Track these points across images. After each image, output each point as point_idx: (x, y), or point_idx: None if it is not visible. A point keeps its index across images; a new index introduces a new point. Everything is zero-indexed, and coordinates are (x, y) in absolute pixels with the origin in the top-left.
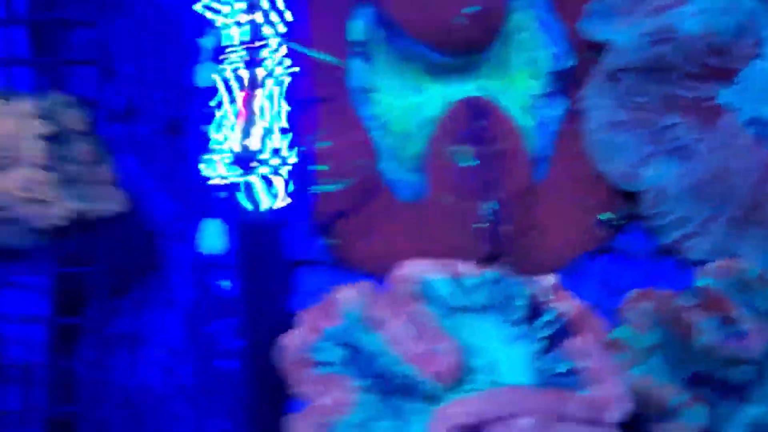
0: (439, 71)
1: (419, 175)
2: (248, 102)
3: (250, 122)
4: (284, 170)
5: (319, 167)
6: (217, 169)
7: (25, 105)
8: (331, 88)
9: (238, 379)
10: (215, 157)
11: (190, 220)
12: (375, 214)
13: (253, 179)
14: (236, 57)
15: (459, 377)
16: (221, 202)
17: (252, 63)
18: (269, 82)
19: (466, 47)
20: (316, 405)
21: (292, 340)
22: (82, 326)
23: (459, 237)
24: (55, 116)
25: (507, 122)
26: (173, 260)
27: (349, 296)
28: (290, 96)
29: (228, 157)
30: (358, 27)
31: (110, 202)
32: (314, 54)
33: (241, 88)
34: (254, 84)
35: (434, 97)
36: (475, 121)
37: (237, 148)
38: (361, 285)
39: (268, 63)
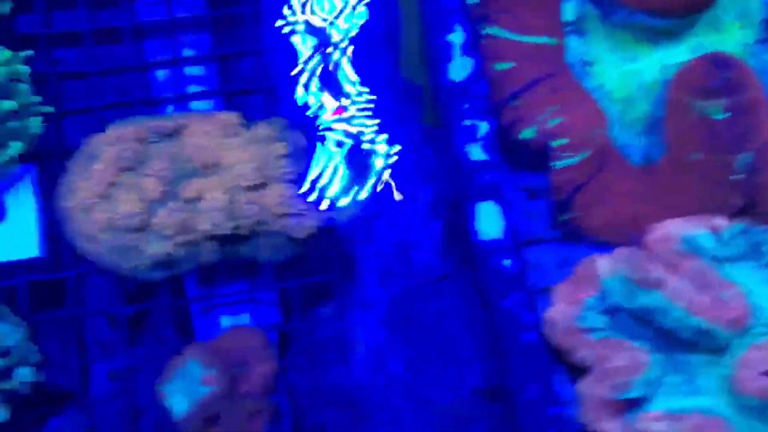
0: (653, 36)
1: (650, 138)
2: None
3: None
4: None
5: (557, 142)
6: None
7: (264, 129)
8: (551, 67)
9: (540, 350)
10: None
11: (376, 221)
12: (610, 182)
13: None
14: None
15: (750, 322)
16: (487, 185)
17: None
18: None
19: (694, 9)
20: (607, 368)
21: (557, 314)
22: (302, 333)
23: (703, 193)
24: (282, 137)
25: (749, 72)
26: (365, 261)
27: (606, 265)
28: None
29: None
30: (571, 7)
31: (340, 209)
32: (529, 39)
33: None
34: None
35: (652, 61)
36: (721, 73)
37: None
38: (619, 252)
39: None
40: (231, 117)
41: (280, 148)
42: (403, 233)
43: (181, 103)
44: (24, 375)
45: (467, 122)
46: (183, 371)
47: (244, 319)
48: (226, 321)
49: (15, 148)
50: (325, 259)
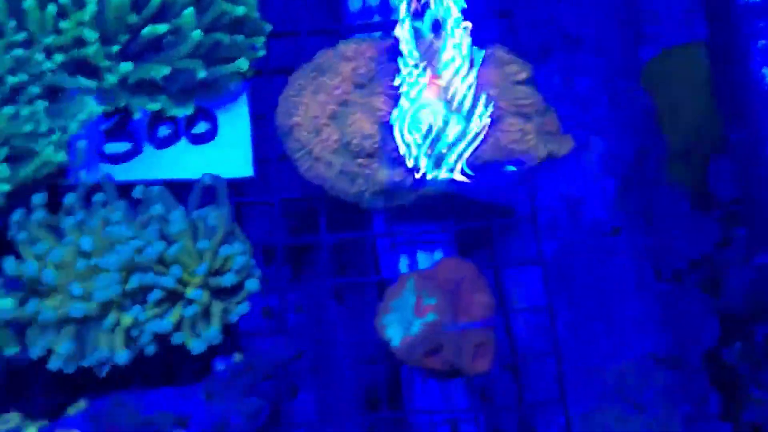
0: None
1: None
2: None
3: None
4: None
5: None
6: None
7: (500, 53)
8: None
9: None
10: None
11: (543, 175)
12: None
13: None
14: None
15: None
16: None
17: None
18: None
19: None
20: None
21: None
22: None
23: None
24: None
25: None
26: (529, 215)
27: None
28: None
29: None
30: None
31: (561, 145)
32: None
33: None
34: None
35: None
36: None
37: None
38: None
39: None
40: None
41: (519, 72)
42: (573, 188)
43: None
44: (252, 286)
45: (761, 43)
46: (400, 301)
47: (437, 257)
48: (404, 260)
49: (241, 63)
50: (489, 209)
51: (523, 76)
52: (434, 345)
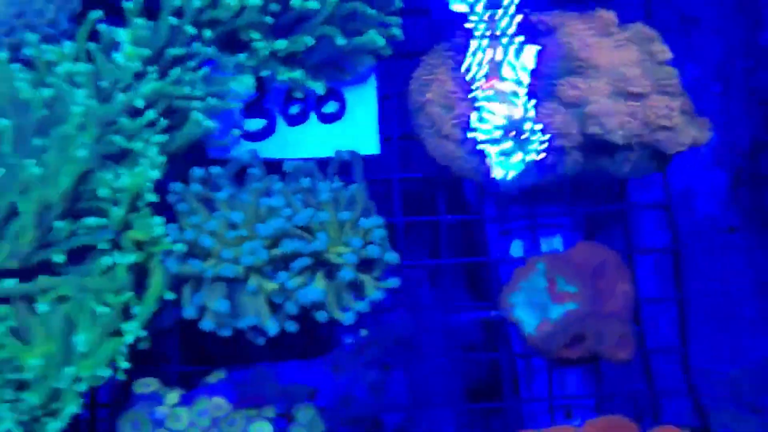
0: None
1: None
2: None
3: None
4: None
5: None
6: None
7: (643, 29)
8: None
9: None
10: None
11: None
12: None
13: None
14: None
15: None
16: None
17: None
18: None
19: None
20: None
21: None
22: None
23: None
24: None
25: None
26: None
27: None
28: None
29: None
30: None
31: (702, 131)
32: None
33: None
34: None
35: None
36: None
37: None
38: None
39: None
40: (609, 15)
41: (663, 51)
42: (685, 181)
43: None
44: (391, 258)
45: None
46: (528, 283)
47: (556, 242)
48: (517, 244)
49: (375, 37)
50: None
51: (666, 56)
52: (575, 334)
